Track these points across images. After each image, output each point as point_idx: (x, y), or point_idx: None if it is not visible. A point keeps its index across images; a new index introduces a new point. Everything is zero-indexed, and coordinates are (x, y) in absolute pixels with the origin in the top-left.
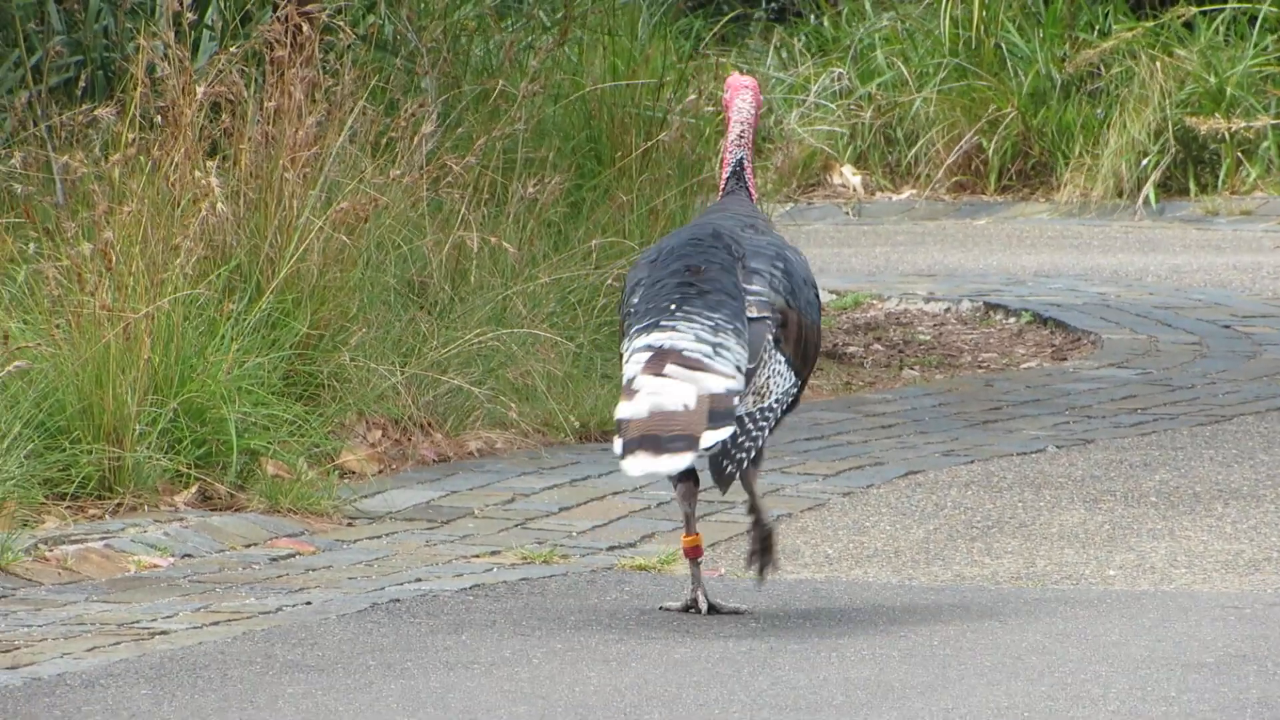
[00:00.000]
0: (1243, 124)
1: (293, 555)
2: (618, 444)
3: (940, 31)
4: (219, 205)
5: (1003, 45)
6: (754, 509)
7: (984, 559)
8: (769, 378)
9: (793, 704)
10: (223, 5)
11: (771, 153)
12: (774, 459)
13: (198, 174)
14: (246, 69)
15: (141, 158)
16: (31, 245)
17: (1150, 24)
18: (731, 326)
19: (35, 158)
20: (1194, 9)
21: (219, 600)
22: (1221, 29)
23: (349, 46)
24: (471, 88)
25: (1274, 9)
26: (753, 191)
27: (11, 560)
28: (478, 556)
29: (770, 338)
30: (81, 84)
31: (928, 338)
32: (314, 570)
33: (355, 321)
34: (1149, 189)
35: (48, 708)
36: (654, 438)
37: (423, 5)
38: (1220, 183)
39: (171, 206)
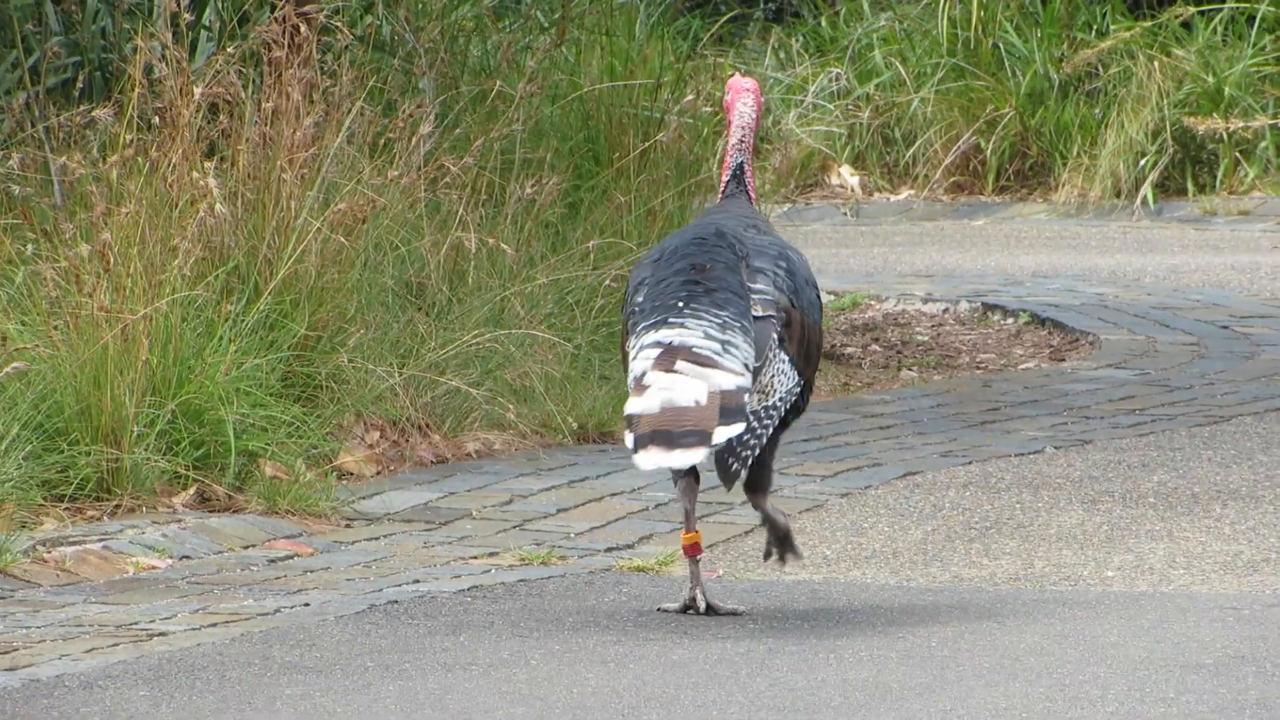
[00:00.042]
0: (1241, 124)
1: (291, 557)
2: (629, 438)
3: (938, 32)
4: (217, 206)
5: (1000, 45)
6: (767, 520)
7: (982, 560)
8: (773, 376)
9: (790, 705)
10: (220, 6)
11: (769, 153)
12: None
13: (195, 175)
14: (244, 70)
15: (139, 159)
16: (29, 246)
17: (1148, 24)
18: (739, 324)
19: (33, 159)
20: (1192, 9)
21: (217, 601)
22: (1219, 29)
23: (346, 47)
24: (469, 88)
25: (1272, 9)
26: (752, 195)
27: (10, 562)
28: (476, 558)
29: (775, 336)
30: (79, 85)
31: (926, 338)
32: (312, 572)
33: (353, 323)
34: (1147, 189)
35: (46, 709)
36: (666, 433)
37: (420, 6)
38: (1218, 183)
39: (169, 207)
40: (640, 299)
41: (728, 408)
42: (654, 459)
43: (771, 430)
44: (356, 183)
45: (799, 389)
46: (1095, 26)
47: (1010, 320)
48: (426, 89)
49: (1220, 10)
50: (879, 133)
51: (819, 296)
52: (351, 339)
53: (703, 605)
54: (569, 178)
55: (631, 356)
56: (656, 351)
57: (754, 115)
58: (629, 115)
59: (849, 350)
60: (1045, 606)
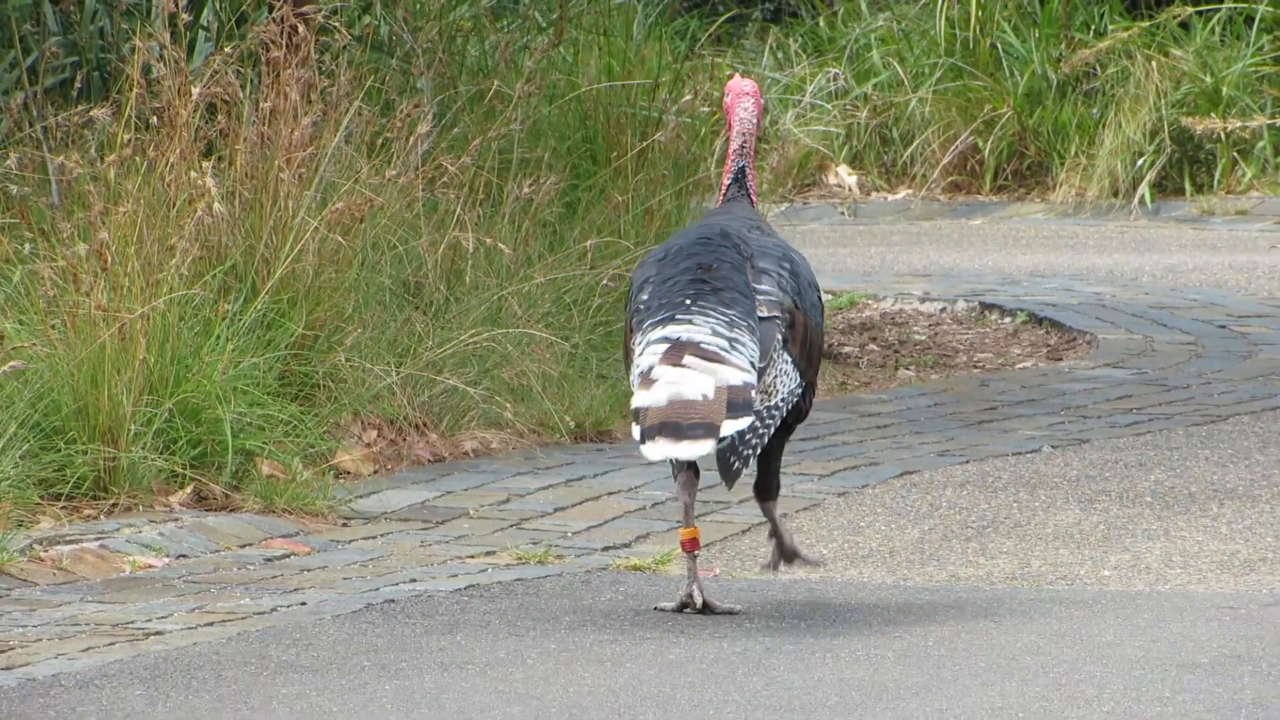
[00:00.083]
0: (1238, 124)
1: (288, 555)
2: (635, 430)
3: (936, 32)
4: (214, 206)
5: (998, 45)
6: (776, 533)
7: (979, 559)
8: (776, 377)
9: (787, 704)
10: (218, 6)
11: (767, 153)
12: None
13: (193, 174)
14: (242, 70)
15: (137, 158)
16: (27, 246)
17: (1146, 24)
18: (745, 323)
19: (31, 158)
20: (1190, 9)
21: (214, 601)
22: (1217, 29)
23: (345, 47)
24: (467, 88)
25: (1270, 9)
26: (754, 198)
27: (6, 561)
28: (473, 557)
29: (780, 337)
30: (77, 85)
31: (923, 338)
32: (309, 570)
33: (350, 322)
34: (1144, 189)
35: (42, 708)
36: (674, 425)
37: (418, 6)
38: (1216, 182)
39: (167, 207)
40: (645, 297)
41: (735, 402)
42: (661, 449)
43: (773, 430)
44: (354, 182)
45: (800, 390)
46: (1093, 26)
47: (1008, 319)
48: (424, 89)
49: (1218, 10)
50: (877, 132)
51: (820, 299)
52: (349, 338)
53: (699, 602)
54: (566, 177)
55: (637, 352)
56: (664, 346)
57: (755, 120)
58: (627, 115)
59: (846, 349)
60: (1042, 606)
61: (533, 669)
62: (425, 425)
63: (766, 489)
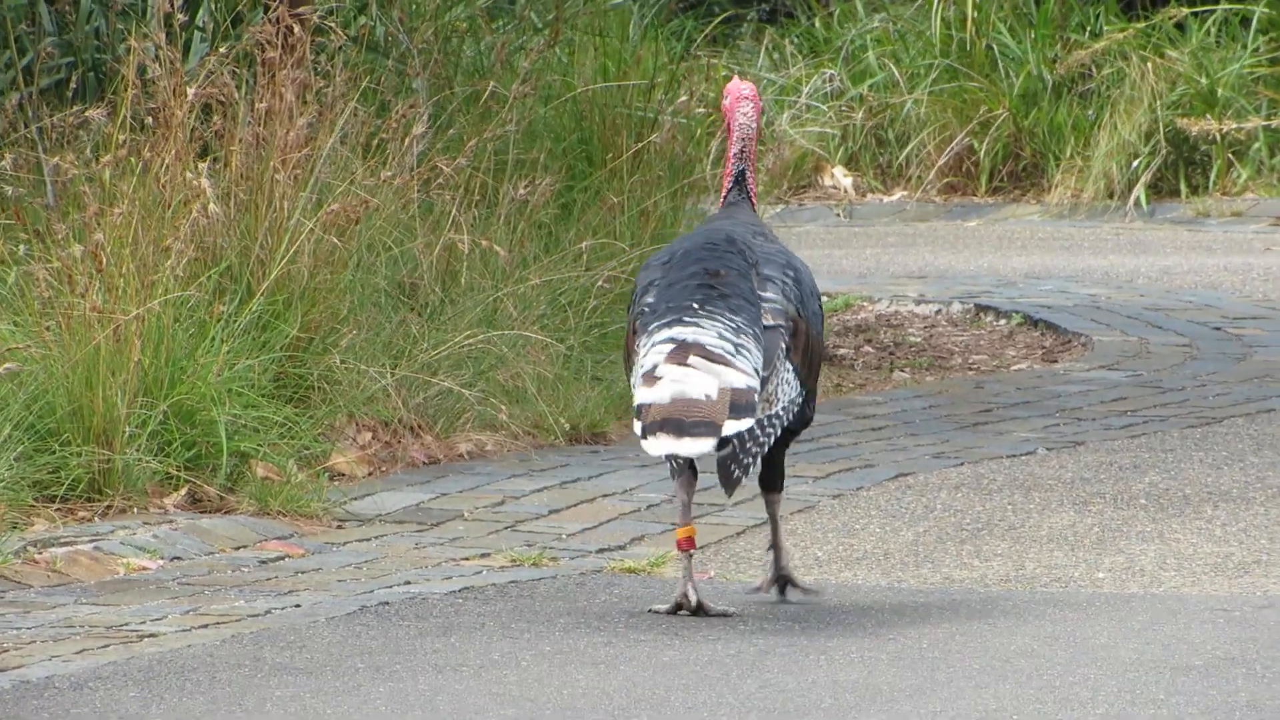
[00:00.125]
0: (1234, 125)
1: (282, 558)
2: (637, 426)
3: (931, 33)
4: (210, 207)
5: (994, 46)
6: (775, 543)
7: (973, 561)
8: (777, 386)
9: (781, 707)
10: (214, 7)
11: (763, 154)
12: None
13: (189, 175)
14: (238, 70)
15: (132, 159)
16: (22, 247)
17: (1141, 25)
18: (751, 331)
19: (26, 159)
20: (1185, 10)
21: (208, 603)
22: (1213, 30)
23: (340, 48)
24: (462, 89)
25: (1267, 10)
26: (754, 201)
27: (1, 563)
28: (467, 559)
29: (783, 345)
30: (73, 85)
31: (918, 340)
32: (303, 573)
33: (346, 323)
34: (1140, 190)
35: (36, 710)
36: (676, 421)
37: (414, 7)
38: (1211, 184)
39: (162, 208)
40: (650, 299)
41: (738, 404)
42: (663, 445)
43: (774, 439)
44: (350, 183)
45: (801, 399)
46: (1089, 28)
47: (1003, 321)
48: (420, 90)
49: (1214, 12)
50: (872, 134)
51: (820, 307)
52: (344, 340)
53: (694, 601)
54: (562, 178)
55: (642, 352)
56: (670, 346)
57: (754, 123)
58: (622, 116)
59: (841, 351)
60: (1036, 608)
61: (527, 671)
62: (420, 427)
63: (771, 481)
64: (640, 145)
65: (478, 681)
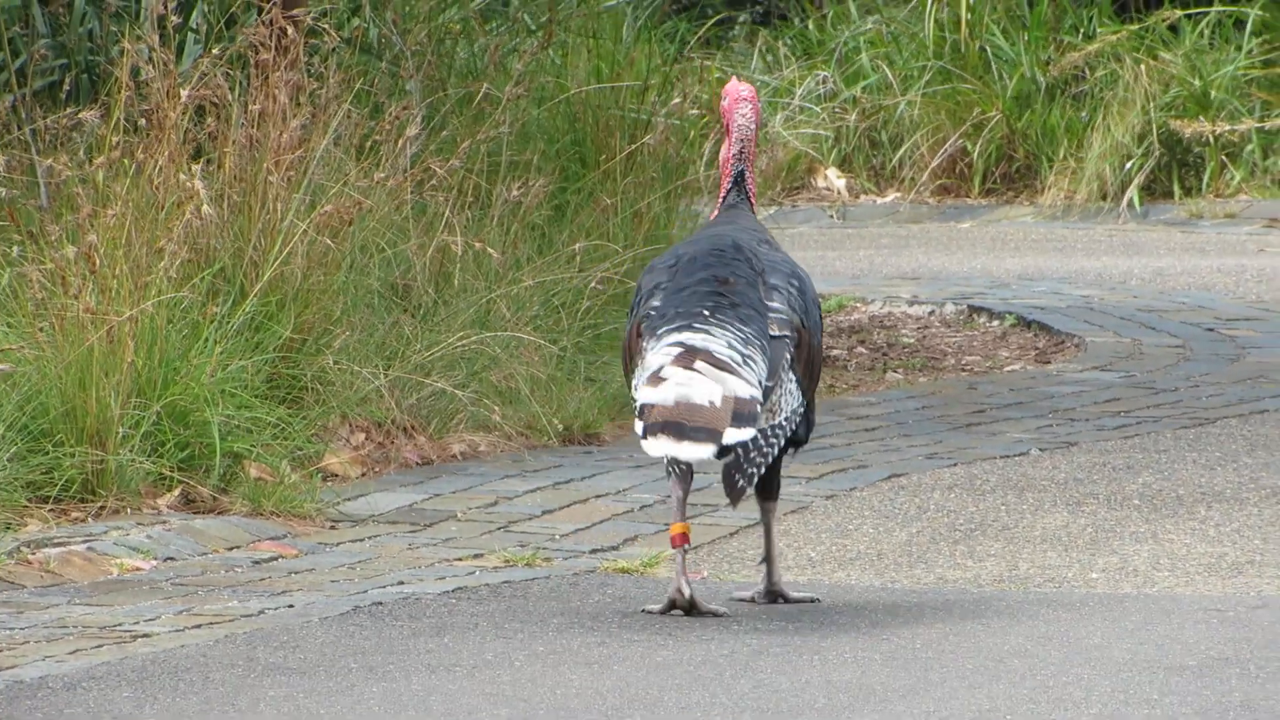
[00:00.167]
0: (1227, 127)
1: (275, 558)
2: (639, 425)
3: (925, 35)
4: (203, 208)
5: (987, 48)
6: (768, 555)
7: (966, 562)
8: (781, 396)
9: (775, 707)
10: (207, 9)
11: (757, 156)
12: None
13: (182, 177)
14: (231, 72)
15: (126, 161)
16: (15, 248)
17: (1135, 27)
18: (759, 342)
19: (19, 161)
20: (1179, 12)
21: (201, 603)
22: (1206, 32)
23: (334, 50)
24: (456, 91)
25: (1261, 13)
26: (753, 202)
27: None
28: (460, 559)
29: (788, 356)
30: (66, 87)
31: (911, 340)
32: (296, 573)
33: (339, 324)
34: (1133, 192)
35: (29, 710)
36: (678, 425)
37: (407, 8)
38: (1204, 186)
39: (156, 209)
40: (657, 303)
41: (740, 413)
42: (663, 447)
43: (777, 449)
44: (343, 185)
45: (803, 410)
46: (1082, 30)
47: (996, 322)
48: (413, 91)
49: (1207, 14)
50: (866, 135)
51: (821, 316)
52: (337, 341)
53: (687, 594)
54: (555, 180)
55: (648, 354)
56: (678, 350)
57: (754, 126)
58: (616, 118)
59: (835, 352)
60: (1029, 608)
61: (520, 671)
62: (413, 428)
63: (767, 488)
64: (634, 147)
65: (471, 681)
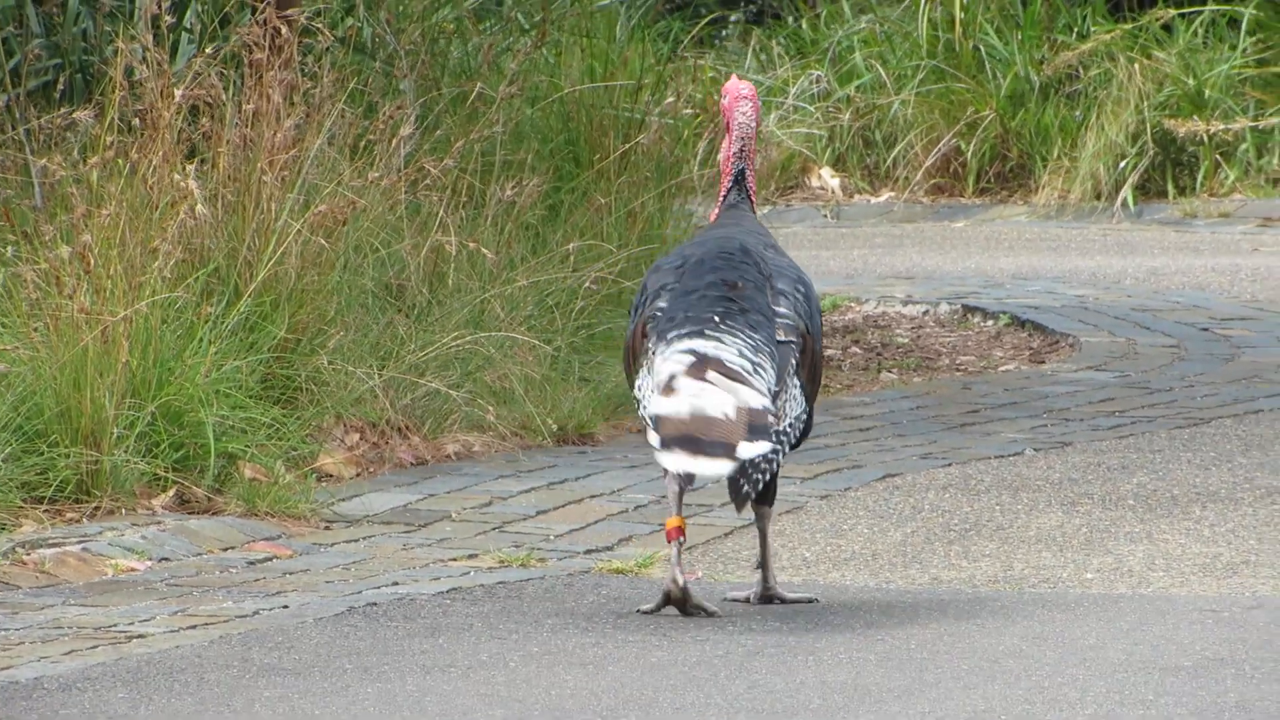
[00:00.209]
0: (1221, 126)
1: (270, 559)
2: (654, 438)
3: (918, 34)
4: (197, 208)
5: (981, 47)
6: (763, 560)
7: (961, 562)
8: (786, 401)
9: (769, 707)
10: (201, 8)
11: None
12: None
13: (176, 177)
14: (225, 72)
15: (120, 160)
16: (9, 248)
17: (1129, 26)
18: (768, 349)
19: (13, 161)
20: (1172, 11)
21: (196, 604)
22: (1200, 31)
23: (327, 49)
24: (450, 90)
25: (1255, 12)
26: (754, 201)
27: None
28: (455, 560)
29: (794, 362)
30: (60, 87)
31: (906, 340)
32: (291, 574)
33: (333, 324)
34: (1127, 191)
35: (25, 711)
36: (694, 439)
37: (401, 8)
38: (1198, 185)
39: (150, 209)
40: (663, 304)
41: (754, 425)
42: (679, 462)
43: (783, 456)
44: (337, 185)
45: (807, 416)
46: (1076, 29)
47: (990, 322)
48: (407, 91)
49: (1201, 13)
50: (859, 135)
51: (822, 321)
52: (331, 341)
53: (681, 581)
54: (549, 180)
55: (658, 359)
56: (690, 359)
57: (754, 124)
58: (609, 117)
59: (829, 352)
60: (1024, 609)
61: (515, 672)
62: (407, 428)
63: (764, 493)
64: (627, 146)
65: (466, 682)
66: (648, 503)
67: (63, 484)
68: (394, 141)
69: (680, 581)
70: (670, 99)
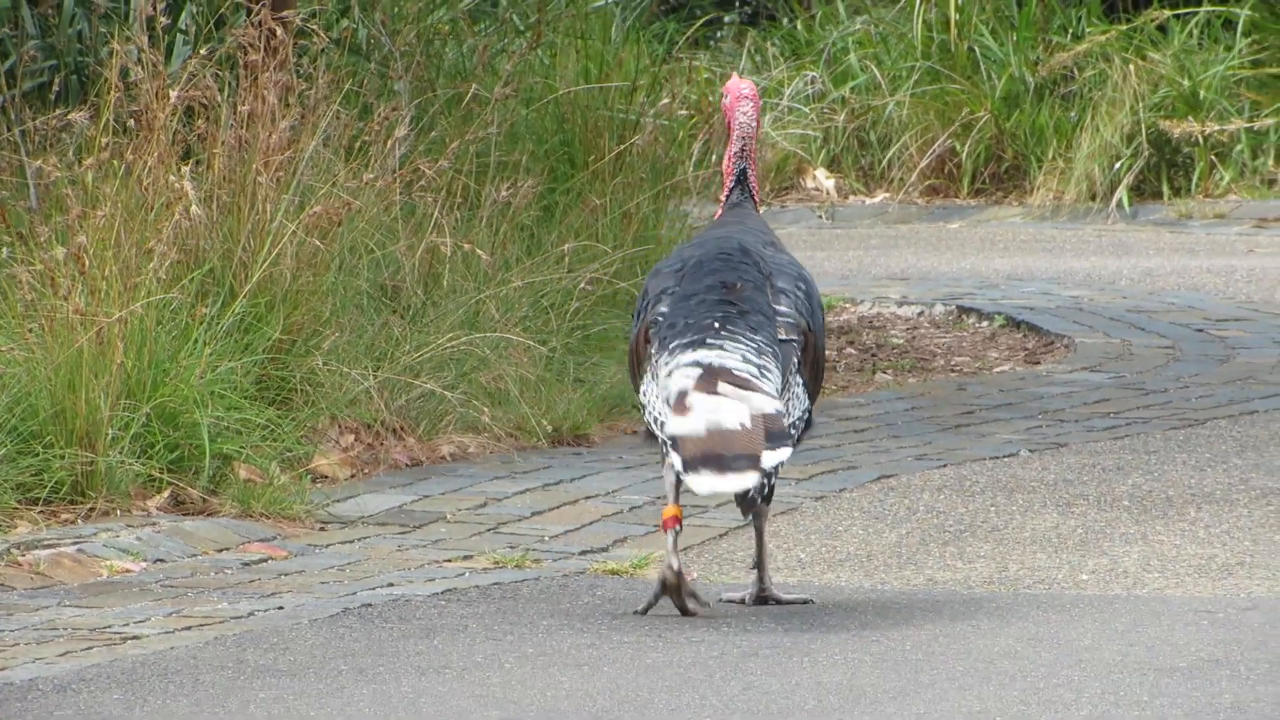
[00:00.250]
0: (1216, 127)
1: (265, 560)
2: (677, 460)
3: (913, 35)
4: (192, 209)
5: (976, 48)
6: (760, 565)
7: (956, 563)
8: (790, 400)
9: (764, 709)
10: (196, 10)
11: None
12: None
13: (171, 178)
14: (220, 73)
15: (115, 162)
16: (4, 249)
17: (1124, 27)
18: (771, 349)
19: (9, 162)
20: (1167, 12)
21: (191, 605)
22: (1195, 32)
23: (323, 50)
24: (444, 91)
25: (1250, 13)
26: (757, 199)
27: None
28: (450, 561)
29: (796, 360)
30: (55, 88)
31: (900, 341)
32: (286, 575)
33: (328, 326)
34: (1122, 192)
35: (19, 712)
36: (717, 456)
37: (396, 9)
38: (1193, 186)
39: (145, 210)
40: (665, 309)
41: (772, 431)
42: (709, 483)
43: (788, 455)
44: (332, 186)
45: (809, 414)
46: (1071, 30)
47: (985, 323)
48: (402, 92)
49: (1196, 14)
50: (854, 136)
51: (824, 317)
52: (326, 342)
53: (675, 565)
54: (544, 181)
55: (664, 373)
56: (697, 372)
57: (755, 121)
58: (604, 118)
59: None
60: (1019, 610)
61: (510, 673)
62: (402, 429)
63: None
64: (622, 148)
65: (461, 683)
66: (643, 504)
67: (58, 485)
68: (389, 143)
69: (675, 566)
70: (665, 100)
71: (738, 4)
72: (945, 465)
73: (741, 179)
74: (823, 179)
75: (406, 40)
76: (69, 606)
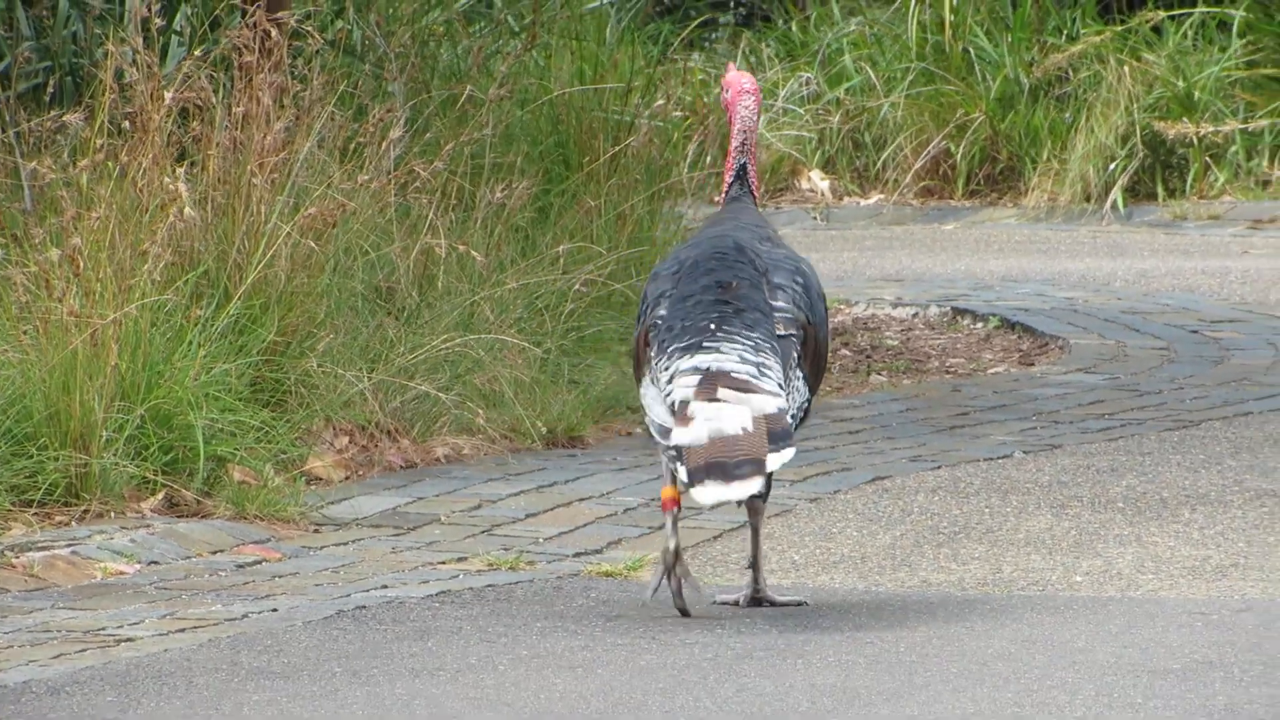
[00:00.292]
0: (1211, 128)
1: (259, 562)
2: (682, 471)
3: (908, 36)
4: (187, 211)
5: (970, 50)
6: (755, 564)
7: (950, 565)
8: (790, 393)
9: (758, 710)
10: (191, 11)
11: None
12: None
13: (166, 180)
14: (215, 74)
15: (110, 163)
16: None
17: (1118, 28)
18: (769, 345)
19: (3, 164)
20: (1162, 13)
21: (185, 607)
22: (1190, 34)
23: (317, 52)
24: (439, 93)
25: (1245, 14)
26: (756, 194)
27: None
28: (444, 563)
29: (795, 355)
30: (50, 90)
31: (895, 343)
32: (280, 577)
33: (323, 327)
34: (1117, 193)
35: (13, 715)
36: (721, 464)
37: (391, 11)
38: (1188, 187)
39: (139, 212)
40: (663, 312)
41: (775, 432)
42: (714, 493)
43: None
44: (326, 187)
45: (808, 403)
46: (1065, 31)
47: (980, 325)
48: (397, 93)
49: (1190, 15)
50: (849, 137)
51: (825, 308)
52: (321, 344)
53: (673, 545)
54: (539, 182)
55: (665, 379)
56: (696, 378)
57: (755, 116)
58: (599, 119)
59: None
60: (1013, 611)
61: (504, 675)
62: (397, 431)
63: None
64: (617, 149)
65: (455, 685)
66: (637, 505)
67: (52, 487)
68: (384, 144)
69: (672, 546)
70: (660, 101)
71: (733, 5)
72: (940, 467)
73: (741, 174)
74: (817, 180)
75: (401, 42)
76: (63, 609)
